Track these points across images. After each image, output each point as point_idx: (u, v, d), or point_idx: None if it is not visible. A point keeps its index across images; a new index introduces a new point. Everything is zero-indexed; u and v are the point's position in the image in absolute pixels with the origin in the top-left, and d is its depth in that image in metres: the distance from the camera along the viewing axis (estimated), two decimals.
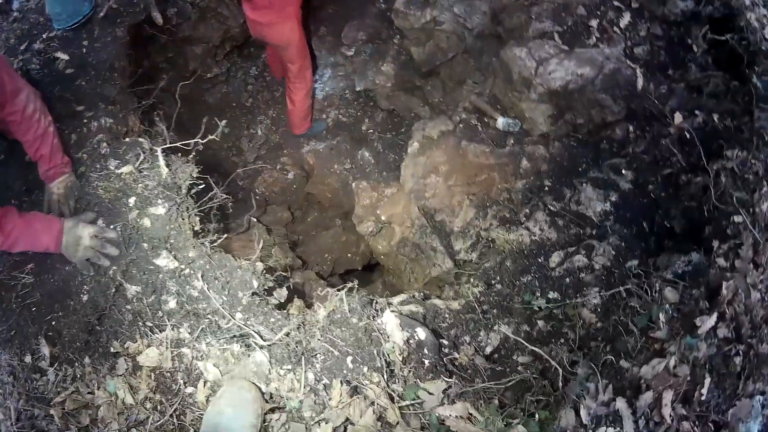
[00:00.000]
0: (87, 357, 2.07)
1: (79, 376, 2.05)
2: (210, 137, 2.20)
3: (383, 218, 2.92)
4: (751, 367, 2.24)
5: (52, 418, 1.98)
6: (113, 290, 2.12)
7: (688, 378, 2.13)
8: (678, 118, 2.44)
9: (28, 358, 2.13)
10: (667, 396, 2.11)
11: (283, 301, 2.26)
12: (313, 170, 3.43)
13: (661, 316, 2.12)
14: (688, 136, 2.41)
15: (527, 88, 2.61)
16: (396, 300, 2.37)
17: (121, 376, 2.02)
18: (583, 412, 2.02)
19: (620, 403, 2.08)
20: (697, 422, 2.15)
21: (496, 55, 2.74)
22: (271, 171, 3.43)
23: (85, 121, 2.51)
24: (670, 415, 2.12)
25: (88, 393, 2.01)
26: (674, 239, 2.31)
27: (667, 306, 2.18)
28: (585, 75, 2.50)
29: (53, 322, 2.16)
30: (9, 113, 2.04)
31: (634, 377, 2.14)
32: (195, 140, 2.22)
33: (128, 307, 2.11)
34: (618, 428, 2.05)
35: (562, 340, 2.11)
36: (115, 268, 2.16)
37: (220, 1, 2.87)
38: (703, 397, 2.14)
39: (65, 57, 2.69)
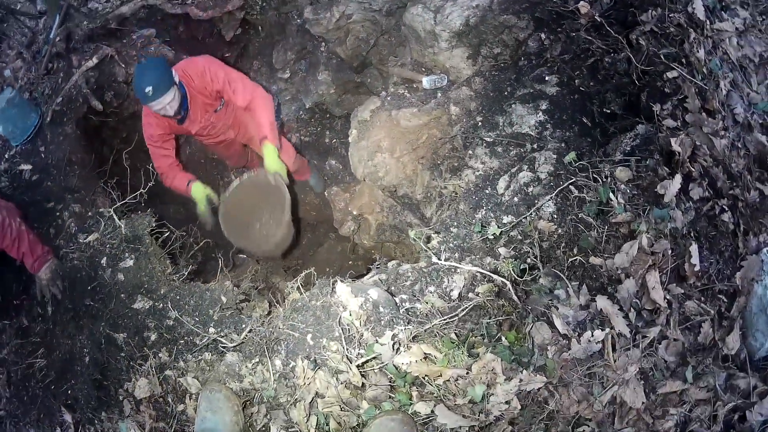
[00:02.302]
0: (102, 411, 2.30)
1: (99, 431, 2.26)
2: (150, 184, 2.48)
3: (355, 213, 3.01)
4: (746, 220, 2.05)
5: None
6: (104, 342, 2.37)
7: (672, 252, 1.98)
8: (584, 7, 2.39)
9: (57, 431, 2.38)
10: (653, 277, 1.96)
11: (265, 313, 2.40)
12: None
13: (617, 197, 2.00)
14: (599, 20, 2.35)
15: (435, 40, 2.67)
16: (366, 278, 2.42)
17: (128, 416, 2.21)
18: (558, 322, 1.92)
19: (601, 302, 1.96)
20: (702, 298, 1.98)
21: (402, 23, 2.85)
22: None
23: (57, 214, 2.85)
24: (665, 298, 1.96)
25: None
26: (617, 121, 2.21)
27: (622, 186, 2.06)
28: (480, 4, 2.54)
29: (69, 391, 2.41)
30: None
31: (609, 270, 2.01)
32: (139, 192, 2.49)
33: (122, 354, 2.34)
34: (609, 328, 1.92)
35: (528, 259, 2.04)
36: (102, 323, 2.42)
37: None
38: (696, 268, 1.98)
39: (28, 167, 3.08)
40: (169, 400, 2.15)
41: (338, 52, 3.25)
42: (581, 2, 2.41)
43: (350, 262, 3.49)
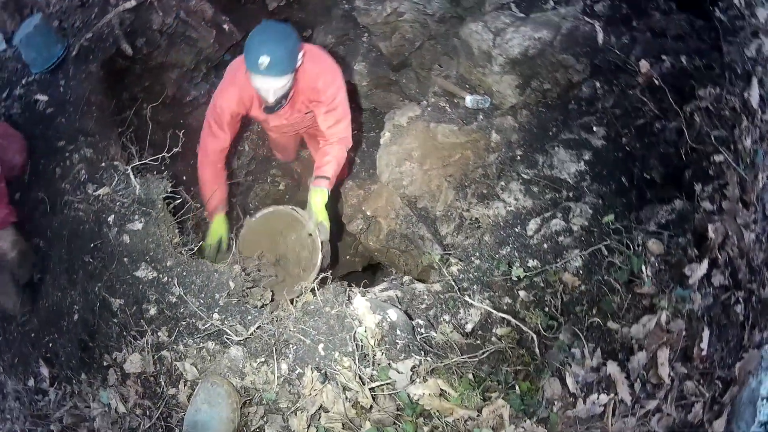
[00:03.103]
0: (83, 373, 2.17)
1: (77, 392, 2.15)
2: (175, 149, 2.34)
3: (369, 214, 2.96)
4: (755, 314, 2.10)
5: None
6: (98, 305, 2.27)
7: (684, 333, 2.03)
8: (644, 66, 2.38)
9: (31, 382, 2.28)
10: (663, 354, 2.01)
11: (267, 303, 2.34)
12: (302, 179, 3.53)
13: (646, 269, 2.04)
14: (657, 82, 2.34)
15: (488, 61, 2.61)
16: (377, 288, 2.40)
17: (112, 386, 2.11)
18: (569, 380, 1.96)
19: (611, 367, 2.00)
20: (701, 380, 2.04)
21: (456, 35, 2.78)
22: (263, 184, 3.56)
23: (66, 154, 2.67)
24: (669, 375, 2.02)
25: (85, 407, 2.11)
26: (655, 189, 2.23)
27: (652, 258, 2.11)
28: (543, 38, 2.49)
29: (50, 344, 2.29)
30: None
31: (624, 338, 2.05)
32: (162, 155, 2.35)
33: (114, 320, 2.23)
34: (612, 394, 1.98)
35: (546, 309, 2.07)
36: (99, 284, 2.30)
37: (188, 25, 3.05)
38: (704, 353, 2.03)
39: (44, 98, 2.89)
40: (161, 381, 2.06)
41: (380, 47, 3.15)
42: (642, 60, 2.41)
43: (347, 257, 3.46)
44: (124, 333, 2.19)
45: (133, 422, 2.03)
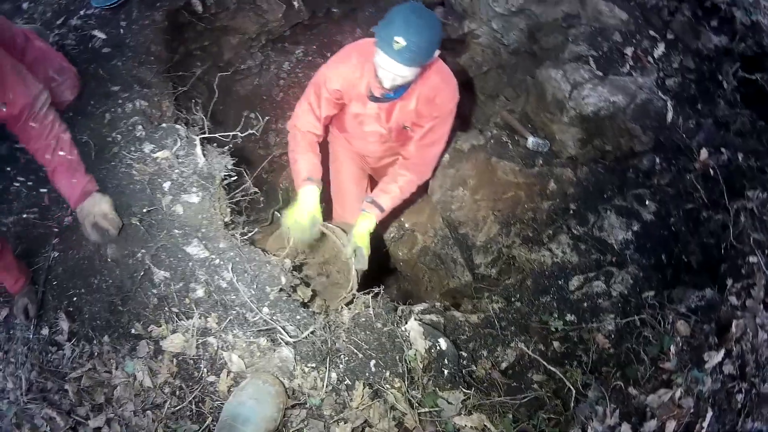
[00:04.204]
0: (107, 336, 2.15)
1: (96, 353, 2.13)
2: (250, 131, 2.31)
3: (407, 225, 3.05)
4: (752, 405, 2.40)
5: (66, 392, 2.07)
6: (141, 273, 2.23)
7: (692, 410, 2.30)
8: (704, 154, 2.59)
9: (45, 331, 2.24)
10: (670, 426, 2.26)
11: (306, 300, 2.39)
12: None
13: (672, 348, 2.27)
14: (712, 172, 2.55)
15: (560, 110, 2.74)
16: (417, 308, 2.51)
17: (141, 358, 2.10)
18: None
19: (625, 429, 2.24)
20: None
21: (531, 73, 2.88)
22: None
23: (119, 101, 2.61)
24: None
25: (105, 372, 2.10)
26: (691, 273, 2.46)
27: (678, 339, 2.34)
28: (617, 103, 2.65)
29: (74, 299, 2.25)
30: (24, 126, 2.03)
31: (640, 404, 2.29)
32: (234, 133, 2.32)
33: (154, 291, 2.21)
34: None
35: (576, 362, 2.27)
36: (143, 251, 2.28)
37: None
38: (703, 431, 2.32)
39: (102, 36, 2.77)
40: (201, 366, 2.08)
41: (446, 61, 3.20)
42: (703, 148, 2.61)
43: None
44: (165, 307, 2.19)
45: (158, 399, 2.04)
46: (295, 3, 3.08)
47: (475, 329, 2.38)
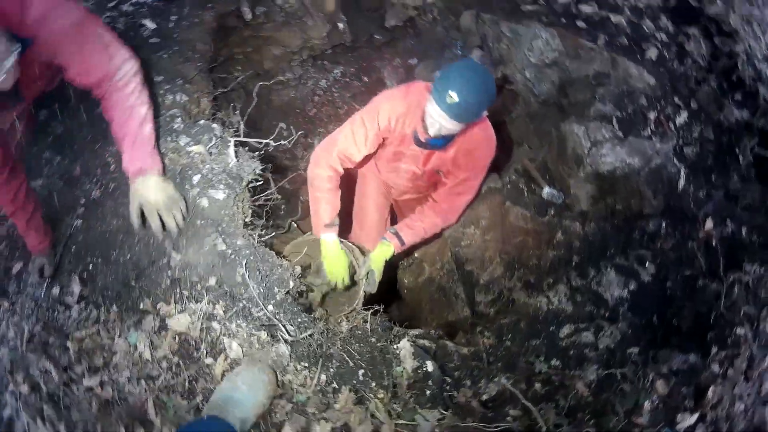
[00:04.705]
0: (115, 306, 2.52)
1: (102, 320, 2.49)
2: (283, 141, 2.78)
3: (416, 254, 3.49)
4: None
5: (68, 350, 2.40)
6: (159, 255, 2.63)
7: None
8: (709, 224, 2.97)
9: (56, 290, 2.63)
10: None
11: (316, 303, 2.81)
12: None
13: (647, 404, 2.64)
14: (714, 242, 2.95)
15: (578, 165, 3.18)
16: (412, 332, 2.92)
17: (145, 331, 2.44)
18: None
19: None
20: None
21: (556, 125, 3.33)
22: None
23: (161, 92, 3.03)
24: None
25: (108, 338, 2.44)
26: (679, 337, 2.83)
27: (655, 397, 2.71)
28: (633, 165, 3.07)
29: (90, 267, 2.66)
30: (100, 91, 2.38)
31: None
32: (267, 141, 2.79)
33: (168, 273, 2.59)
34: None
35: (553, 405, 2.65)
36: (165, 232, 2.71)
37: (307, 11, 3.48)
38: None
39: (152, 26, 3.21)
40: (202, 348, 2.48)
41: None
42: (709, 219, 3.02)
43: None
44: (177, 289, 2.62)
45: (154, 371, 2.37)
46: (340, 24, 3.59)
47: (464, 360, 2.78)
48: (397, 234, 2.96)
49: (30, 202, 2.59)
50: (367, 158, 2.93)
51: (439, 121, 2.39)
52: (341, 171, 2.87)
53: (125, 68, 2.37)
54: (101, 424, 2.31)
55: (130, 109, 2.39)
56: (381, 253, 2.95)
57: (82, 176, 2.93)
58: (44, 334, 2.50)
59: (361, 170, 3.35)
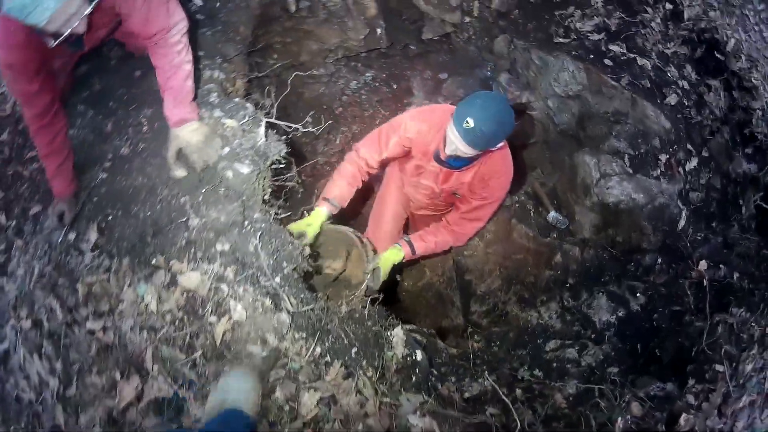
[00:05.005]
0: (128, 258, 2.80)
1: (114, 269, 2.76)
2: (311, 129, 3.17)
3: (419, 260, 3.85)
4: None
5: (76, 291, 2.69)
6: (183, 217, 2.97)
7: None
8: (703, 265, 3.30)
9: (72, 236, 2.94)
10: None
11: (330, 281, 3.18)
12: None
13: (619, 422, 2.95)
14: (704, 283, 3.31)
15: (585, 194, 3.55)
16: (407, 326, 3.26)
17: (155, 285, 2.70)
18: None
19: None
20: None
21: (570, 155, 3.73)
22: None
23: (201, 66, 3.38)
24: None
25: (117, 287, 2.72)
26: (659, 366, 3.16)
27: (629, 417, 3.02)
28: (637, 201, 3.43)
29: (109, 218, 2.97)
30: (154, 42, 2.74)
31: None
32: (297, 126, 3.17)
33: (185, 234, 2.88)
34: None
35: (531, 411, 2.97)
36: (187, 197, 3.00)
37: (348, 12, 3.90)
38: None
39: (199, 2, 3.60)
40: (208, 306, 2.75)
41: None
42: (703, 261, 3.37)
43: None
44: (191, 250, 2.95)
45: (157, 323, 2.64)
46: (378, 30, 3.99)
47: (452, 359, 3.10)
48: (410, 243, 3.33)
49: (65, 148, 2.94)
50: (393, 166, 3.35)
51: (455, 142, 2.72)
52: (365, 171, 3.27)
53: (180, 26, 2.77)
54: (98, 366, 2.58)
55: (178, 65, 2.79)
56: (391, 255, 3.31)
57: (113, 133, 3.28)
58: (54, 275, 2.79)
59: (386, 178, 3.74)
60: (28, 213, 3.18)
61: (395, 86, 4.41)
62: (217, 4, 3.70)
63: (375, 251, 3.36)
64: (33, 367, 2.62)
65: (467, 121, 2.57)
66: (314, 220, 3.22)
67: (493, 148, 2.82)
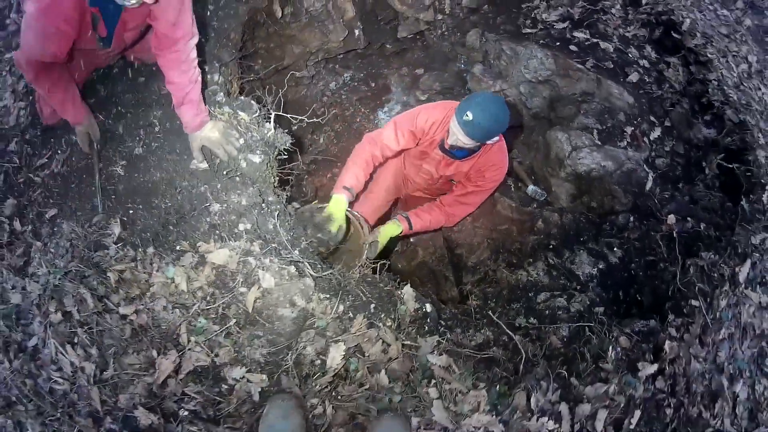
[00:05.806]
0: (152, 246, 3.43)
1: (139, 258, 3.35)
2: (315, 120, 4.21)
3: (411, 239, 4.88)
4: (680, 422, 3.90)
5: (107, 279, 3.22)
6: (198, 201, 3.72)
7: (622, 406, 3.90)
8: (671, 219, 4.19)
9: (93, 232, 3.49)
10: (602, 414, 3.71)
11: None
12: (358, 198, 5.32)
13: (611, 352, 3.90)
14: (674, 234, 4.26)
15: (559, 167, 4.60)
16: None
17: (183, 266, 3.33)
18: (533, 400, 3.63)
19: (563, 407, 3.77)
20: None
21: (543, 134, 4.84)
22: (321, 178, 5.41)
23: (205, 69, 4.09)
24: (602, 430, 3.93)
25: (145, 273, 3.30)
26: (641, 309, 4.13)
27: (619, 348, 4.02)
28: (607, 167, 4.50)
29: (131, 212, 3.62)
30: (176, 50, 3.33)
31: (579, 392, 3.79)
32: (302, 118, 4.16)
33: (208, 219, 3.61)
34: (557, 425, 3.83)
35: (531, 352, 3.98)
36: (206, 186, 3.76)
37: (329, 16, 4.90)
38: (632, 426, 3.92)
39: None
40: (238, 278, 3.43)
41: None
42: (671, 215, 4.41)
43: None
44: (215, 233, 3.71)
45: (189, 301, 3.23)
46: (356, 31, 5.02)
47: (455, 315, 4.12)
48: (407, 219, 4.25)
49: (69, 79, 3.55)
50: (399, 151, 4.20)
51: (456, 133, 3.62)
52: (380, 158, 4.13)
53: (195, 39, 3.49)
54: (133, 347, 3.06)
55: (195, 80, 3.53)
56: (389, 229, 4.24)
57: (125, 135, 4.02)
58: (81, 268, 3.31)
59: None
60: (44, 216, 3.76)
61: (373, 84, 5.41)
62: (208, 12, 4.53)
63: (369, 224, 4.26)
64: (66, 358, 2.98)
65: (467, 115, 3.46)
66: (336, 208, 4.04)
67: (490, 142, 3.73)
